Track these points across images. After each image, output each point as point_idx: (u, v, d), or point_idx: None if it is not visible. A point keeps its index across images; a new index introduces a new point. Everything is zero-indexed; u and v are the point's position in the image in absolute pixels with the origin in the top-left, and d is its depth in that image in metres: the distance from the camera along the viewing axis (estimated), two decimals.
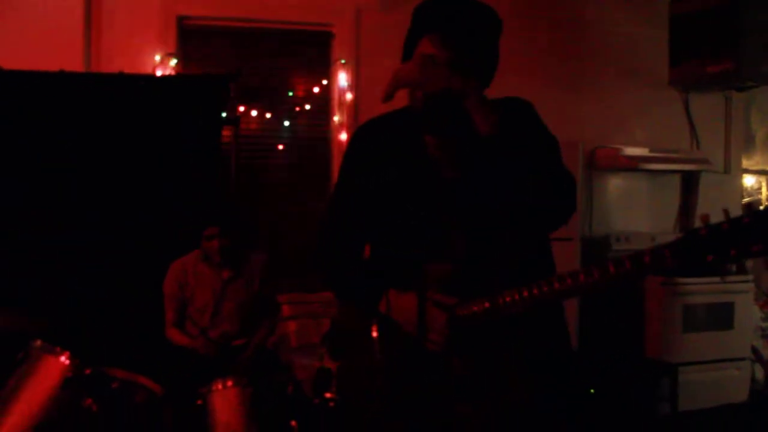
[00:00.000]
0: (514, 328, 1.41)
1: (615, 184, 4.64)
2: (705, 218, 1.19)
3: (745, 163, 5.08)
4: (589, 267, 1.28)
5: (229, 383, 2.71)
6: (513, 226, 1.43)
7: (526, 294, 1.33)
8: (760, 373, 4.52)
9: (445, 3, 1.43)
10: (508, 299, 1.35)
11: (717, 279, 4.19)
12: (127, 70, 3.59)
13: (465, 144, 1.42)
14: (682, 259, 1.19)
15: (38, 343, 2.55)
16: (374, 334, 1.48)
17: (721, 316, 4.21)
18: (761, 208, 1.15)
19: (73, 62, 3.68)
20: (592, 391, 3.75)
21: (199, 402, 2.71)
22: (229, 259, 3.19)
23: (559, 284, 1.30)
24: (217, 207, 3.38)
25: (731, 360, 4.27)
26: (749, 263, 4.52)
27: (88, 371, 2.69)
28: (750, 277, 4.37)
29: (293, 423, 2.83)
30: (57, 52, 3.65)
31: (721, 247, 1.15)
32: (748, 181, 5.25)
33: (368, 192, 1.51)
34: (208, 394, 2.71)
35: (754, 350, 4.48)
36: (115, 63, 3.72)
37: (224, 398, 2.72)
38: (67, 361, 2.63)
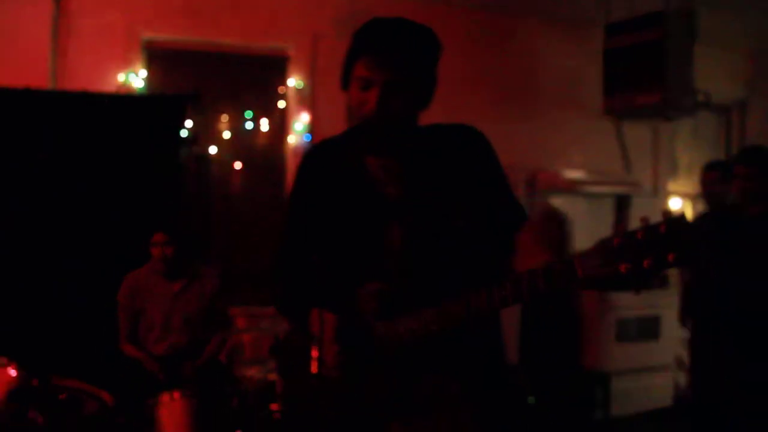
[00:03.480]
0: (443, 349, 1.31)
1: (555, 205, 4.68)
2: (644, 220, 1.03)
3: (672, 187, 5.21)
4: (498, 284, 1.18)
5: (176, 395, 2.66)
6: (453, 248, 1.35)
7: (438, 312, 1.25)
8: (682, 380, 4.60)
9: (380, 25, 1.34)
10: (428, 318, 1.26)
11: (646, 294, 4.27)
12: (91, 89, 3.51)
13: (405, 164, 1.37)
14: (594, 271, 1.06)
15: None
16: (314, 353, 1.38)
17: (649, 328, 4.29)
18: (678, 215, 1.00)
19: (40, 80, 3.59)
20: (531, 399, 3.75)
21: (147, 413, 2.63)
22: (174, 269, 3.08)
23: (461, 304, 1.21)
24: (167, 215, 3.28)
25: (658, 368, 4.34)
26: (672, 278, 4.61)
27: (35, 382, 2.59)
28: (674, 291, 4.45)
29: None
30: (24, 69, 3.56)
31: (635, 256, 1.01)
32: (675, 203, 5.38)
33: (315, 213, 1.45)
34: (155, 405, 2.65)
35: (678, 359, 4.56)
36: (80, 81, 3.63)
37: (171, 411, 2.65)
38: (14, 373, 2.52)
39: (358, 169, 1.41)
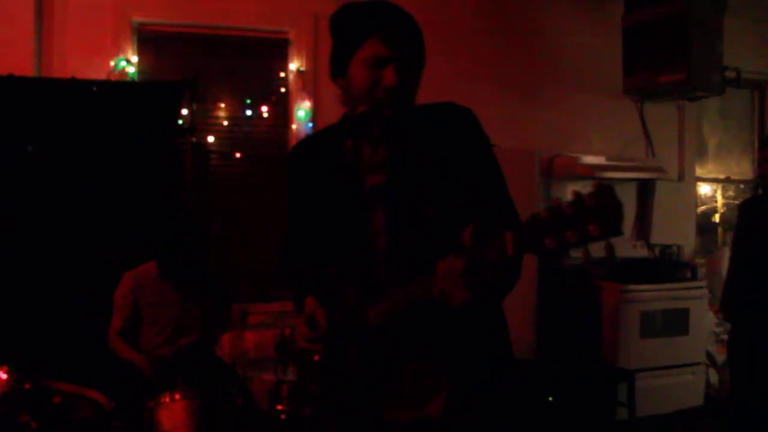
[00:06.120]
0: (425, 335, 1.38)
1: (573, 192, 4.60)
2: (575, 193, 1.06)
3: (699, 172, 5.11)
4: (445, 258, 1.22)
5: (177, 396, 2.63)
6: (438, 235, 1.38)
7: (402, 291, 1.32)
8: (714, 378, 4.53)
9: (377, 8, 1.43)
10: (395, 298, 1.33)
11: (673, 285, 4.19)
12: (80, 76, 3.46)
13: (395, 150, 1.43)
14: (523, 245, 1.10)
15: None
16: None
17: (677, 322, 4.19)
18: (605, 186, 1.01)
19: (23, 67, 3.52)
20: (550, 398, 3.70)
21: (146, 415, 2.62)
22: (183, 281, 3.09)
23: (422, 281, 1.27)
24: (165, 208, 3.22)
25: (687, 365, 4.25)
26: (702, 269, 4.53)
27: (27, 386, 2.58)
28: (704, 283, 4.37)
29: None
30: (6, 56, 3.49)
31: (560, 230, 1.03)
32: (703, 189, 5.29)
33: (307, 204, 1.55)
34: (156, 407, 2.62)
35: (709, 355, 4.48)
36: (68, 68, 3.57)
37: (171, 411, 2.63)
38: (5, 376, 2.51)
39: (345, 157, 1.45)
